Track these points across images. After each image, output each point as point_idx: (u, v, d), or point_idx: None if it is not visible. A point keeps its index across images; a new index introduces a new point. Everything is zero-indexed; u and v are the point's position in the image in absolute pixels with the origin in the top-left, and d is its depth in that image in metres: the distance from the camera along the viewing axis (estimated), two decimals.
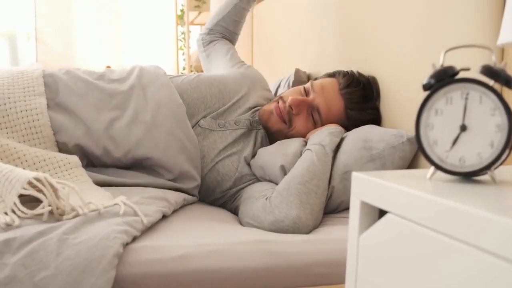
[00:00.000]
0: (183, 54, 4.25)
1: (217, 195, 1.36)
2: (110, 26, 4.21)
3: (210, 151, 1.36)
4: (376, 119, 1.43)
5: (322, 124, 1.40)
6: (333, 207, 1.25)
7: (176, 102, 1.36)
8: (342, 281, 0.72)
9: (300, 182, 1.15)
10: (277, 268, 0.94)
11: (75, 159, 1.21)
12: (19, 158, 1.15)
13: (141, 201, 1.09)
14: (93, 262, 0.83)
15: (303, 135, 1.39)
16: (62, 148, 1.25)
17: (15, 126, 1.22)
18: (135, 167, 1.31)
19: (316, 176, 1.16)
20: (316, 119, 1.40)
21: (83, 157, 1.27)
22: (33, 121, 1.23)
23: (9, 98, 1.25)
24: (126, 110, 1.32)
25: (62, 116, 1.27)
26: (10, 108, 1.23)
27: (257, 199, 1.20)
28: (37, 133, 1.22)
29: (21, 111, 1.23)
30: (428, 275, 0.51)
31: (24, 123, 1.22)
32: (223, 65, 1.76)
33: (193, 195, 1.33)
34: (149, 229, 1.01)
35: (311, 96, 1.41)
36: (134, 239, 0.94)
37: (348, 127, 1.37)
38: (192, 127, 1.39)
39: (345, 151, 1.24)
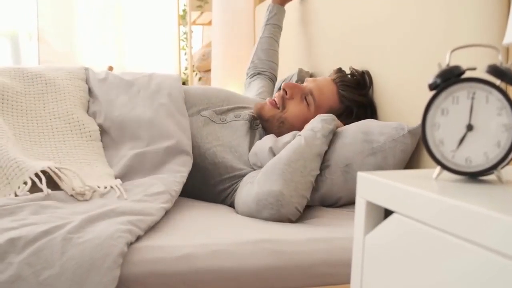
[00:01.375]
0: (185, 54, 4.25)
1: (216, 179, 1.35)
2: (112, 26, 4.20)
3: (209, 136, 1.40)
4: (370, 107, 1.46)
5: (316, 106, 1.43)
6: (333, 200, 1.26)
7: (177, 89, 1.48)
8: (347, 281, 0.72)
9: (285, 162, 1.18)
10: (282, 268, 0.94)
11: (97, 133, 1.39)
12: (50, 125, 1.37)
13: (144, 199, 1.10)
14: (98, 261, 0.83)
15: (297, 118, 1.42)
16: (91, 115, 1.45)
17: (60, 91, 1.44)
18: (124, 138, 1.38)
19: (302, 157, 1.18)
20: (310, 101, 1.44)
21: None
22: (77, 92, 1.47)
23: (57, 77, 1.48)
24: (131, 88, 1.49)
25: (91, 98, 1.50)
26: (59, 83, 1.46)
27: (246, 185, 1.24)
28: (78, 97, 1.46)
29: (68, 86, 1.46)
30: (434, 275, 0.51)
31: (69, 91, 1.45)
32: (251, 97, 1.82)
33: (186, 153, 1.33)
34: (152, 228, 1.00)
35: (304, 84, 1.49)
36: (138, 238, 0.94)
37: (343, 114, 1.40)
38: (194, 115, 1.46)
39: (345, 143, 1.24)
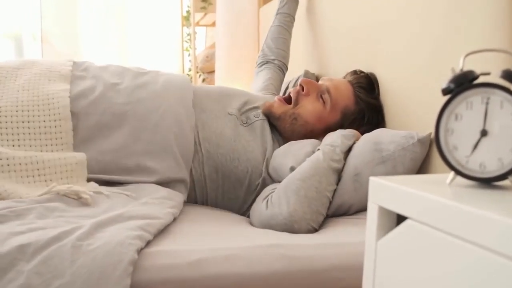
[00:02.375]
0: (188, 55, 4.25)
1: (244, 190, 1.34)
2: (116, 27, 4.20)
3: (240, 137, 1.38)
4: (381, 111, 1.45)
5: (332, 105, 1.41)
6: (344, 209, 1.24)
7: (186, 87, 1.42)
8: (358, 285, 0.72)
9: (300, 178, 1.16)
10: (294, 273, 0.93)
11: (67, 110, 1.26)
12: (16, 97, 1.26)
13: (151, 201, 1.09)
14: (109, 270, 0.82)
15: (312, 115, 1.41)
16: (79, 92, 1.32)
17: (37, 66, 1.37)
18: (120, 129, 1.29)
19: (318, 173, 1.17)
20: (326, 99, 1.42)
21: (90, 108, 1.30)
22: (57, 66, 1.38)
23: (41, 59, 1.42)
24: (138, 79, 1.41)
25: (81, 73, 1.40)
26: (39, 61, 1.40)
27: (262, 201, 1.22)
28: (57, 70, 1.36)
29: (48, 62, 1.40)
30: (448, 282, 0.51)
31: (47, 66, 1.37)
32: (256, 88, 1.82)
33: (182, 181, 1.29)
34: (162, 232, 1.00)
35: (321, 82, 1.47)
36: (148, 243, 0.93)
37: (356, 118, 1.40)
38: (222, 114, 1.42)
39: (355, 153, 1.24)
